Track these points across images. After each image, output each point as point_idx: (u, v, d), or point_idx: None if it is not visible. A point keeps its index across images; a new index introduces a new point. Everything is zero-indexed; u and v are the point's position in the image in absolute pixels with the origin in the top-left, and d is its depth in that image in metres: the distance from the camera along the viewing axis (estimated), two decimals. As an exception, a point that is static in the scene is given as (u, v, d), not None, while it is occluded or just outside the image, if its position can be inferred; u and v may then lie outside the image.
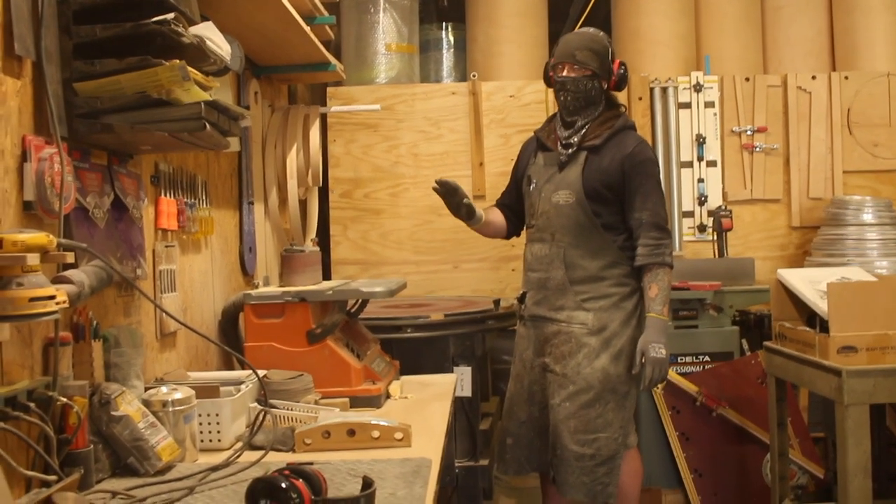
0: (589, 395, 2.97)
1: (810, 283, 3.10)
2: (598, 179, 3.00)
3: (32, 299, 1.41)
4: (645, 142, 3.12)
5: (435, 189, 3.05)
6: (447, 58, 4.97)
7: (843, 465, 2.69)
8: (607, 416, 2.97)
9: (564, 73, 3.05)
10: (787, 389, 3.32)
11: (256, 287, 2.73)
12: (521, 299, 3.18)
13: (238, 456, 1.90)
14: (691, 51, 4.69)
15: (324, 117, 4.29)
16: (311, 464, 1.58)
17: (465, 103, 4.55)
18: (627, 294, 3.03)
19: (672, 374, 3.73)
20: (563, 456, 2.99)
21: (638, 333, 2.98)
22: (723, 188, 4.52)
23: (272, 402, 2.13)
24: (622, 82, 3.11)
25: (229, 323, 2.78)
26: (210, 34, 1.94)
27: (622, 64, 3.10)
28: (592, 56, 3.03)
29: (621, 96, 4.46)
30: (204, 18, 2.01)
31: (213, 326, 2.75)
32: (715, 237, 4.30)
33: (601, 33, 3.15)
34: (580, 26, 4.79)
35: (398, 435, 1.99)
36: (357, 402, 2.39)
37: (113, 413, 1.73)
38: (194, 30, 1.89)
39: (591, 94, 3.05)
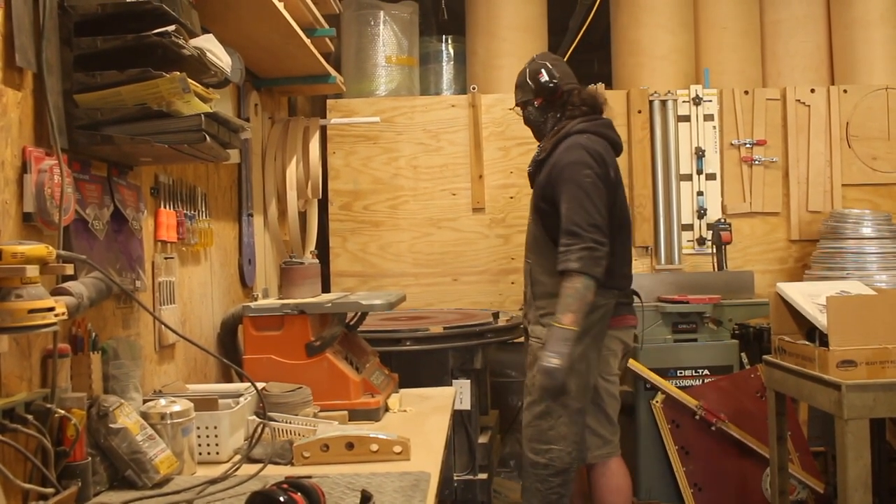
0: (541, 407, 2.98)
1: (809, 297, 3.09)
2: (538, 195, 3.07)
3: (31, 311, 1.41)
4: (575, 145, 2.99)
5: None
6: (447, 70, 4.98)
7: (843, 480, 2.68)
8: (560, 430, 2.96)
9: None
10: (786, 403, 3.31)
11: (255, 299, 2.73)
12: None
13: (236, 469, 1.89)
14: (691, 64, 4.70)
15: (323, 129, 4.29)
16: (310, 477, 1.58)
17: (464, 116, 4.56)
18: None
19: (671, 388, 3.73)
20: (523, 462, 3.09)
21: (590, 352, 2.94)
22: (722, 201, 4.53)
23: (271, 414, 2.12)
24: (543, 90, 3.12)
25: (228, 335, 2.78)
26: (211, 46, 1.94)
27: (538, 73, 3.13)
28: (518, 91, 3.23)
29: (618, 107, 4.49)
30: (205, 30, 2.01)
31: (212, 338, 2.75)
32: (714, 250, 4.30)
33: (532, 59, 3.23)
34: (579, 40, 4.83)
35: (397, 448, 1.98)
36: (356, 415, 2.38)
37: (111, 425, 1.72)
38: (195, 42, 1.89)
39: (531, 119, 3.20)
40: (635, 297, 3.20)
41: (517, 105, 3.25)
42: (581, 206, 2.88)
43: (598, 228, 2.87)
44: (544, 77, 3.10)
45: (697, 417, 3.71)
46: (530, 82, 3.14)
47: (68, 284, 1.65)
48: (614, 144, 3.10)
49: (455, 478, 3.31)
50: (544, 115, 3.15)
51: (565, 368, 2.78)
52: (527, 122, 3.23)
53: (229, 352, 2.77)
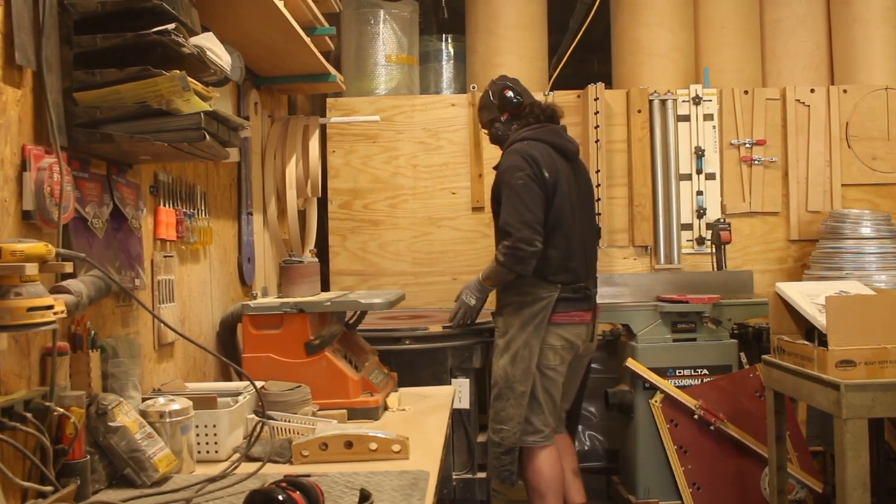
0: (495, 390, 3.31)
1: (808, 297, 3.09)
2: (492, 199, 3.38)
3: (30, 309, 1.41)
4: (512, 151, 3.29)
5: None
6: (447, 69, 4.98)
7: (842, 479, 2.68)
8: (508, 411, 3.27)
9: None
10: (785, 403, 3.31)
11: (255, 298, 2.72)
12: None
13: (235, 467, 1.89)
14: (690, 63, 4.70)
15: (323, 128, 4.29)
16: (309, 476, 1.58)
17: (464, 114, 4.56)
18: (528, 302, 3.27)
19: (670, 387, 3.73)
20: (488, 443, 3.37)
21: (532, 339, 3.22)
22: (721, 201, 4.53)
23: (270, 413, 2.13)
24: (508, 105, 3.40)
25: (227, 333, 2.78)
26: (210, 45, 1.94)
27: (503, 91, 3.40)
28: (483, 112, 3.50)
29: (618, 106, 4.50)
30: (205, 29, 2.01)
31: (211, 337, 2.75)
32: (713, 250, 4.30)
33: (492, 82, 3.50)
34: (579, 39, 4.83)
35: (396, 447, 1.98)
36: (355, 413, 2.38)
37: (110, 424, 1.72)
38: (195, 40, 1.89)
39: (498, 135, 3.46)
40: (593, 294, 3.43)
41: (484, 125, 3.53)
42: (513, 206, 3.20)
43: (528, 224, 3.17)
44: (509, 93, 3.40)
45: (696, 417, 3.71)
46: (495, 100, 3.43)
47: (67, 282, 1.65)
48: (559, 149, 3.34)
49: (454, 476, 3.31)
50: (509, 128, 3.42)
51: (478, 308, 3.37)
52: (494, 139, 3.50)
53: (228, 350, 2.77)
